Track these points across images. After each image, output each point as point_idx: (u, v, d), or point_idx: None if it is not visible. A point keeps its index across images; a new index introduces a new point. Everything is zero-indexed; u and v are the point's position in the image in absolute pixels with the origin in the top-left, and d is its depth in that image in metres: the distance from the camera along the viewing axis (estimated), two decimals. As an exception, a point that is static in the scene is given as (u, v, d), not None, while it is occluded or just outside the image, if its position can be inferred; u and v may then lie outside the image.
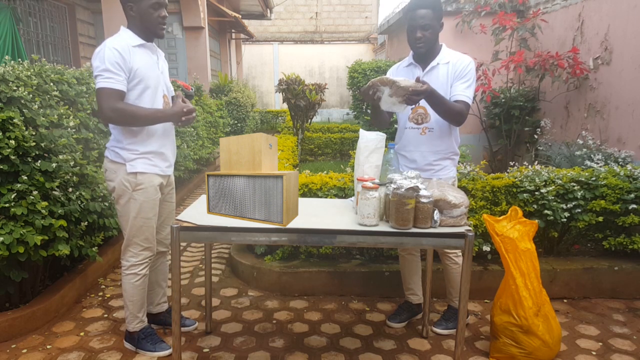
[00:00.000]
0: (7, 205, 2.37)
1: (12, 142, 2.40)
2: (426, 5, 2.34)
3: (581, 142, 4.86)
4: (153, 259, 2.50)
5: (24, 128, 2.54)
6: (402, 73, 2.58)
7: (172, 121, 2.31)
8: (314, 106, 7.56)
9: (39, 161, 2.58)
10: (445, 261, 2.65)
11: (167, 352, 2.45)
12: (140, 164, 2.27)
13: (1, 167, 2.40)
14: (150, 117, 2.23)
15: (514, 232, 2.36)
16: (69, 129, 2.97)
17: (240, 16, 11.81)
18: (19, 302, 2.70)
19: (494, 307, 2.49)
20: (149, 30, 2.25)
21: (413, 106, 2.44)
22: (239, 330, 2.73)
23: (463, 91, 2.40)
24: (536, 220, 2.50)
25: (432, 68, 2.46)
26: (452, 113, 2.36)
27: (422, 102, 2.44)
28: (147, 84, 2.24)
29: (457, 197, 2.02)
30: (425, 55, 2.46)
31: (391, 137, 6.33)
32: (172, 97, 2.42)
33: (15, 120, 2.46)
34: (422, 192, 1.93)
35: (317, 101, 7.43)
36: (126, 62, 2.14)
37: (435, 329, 2.71)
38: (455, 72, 2.42)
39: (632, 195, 3.06)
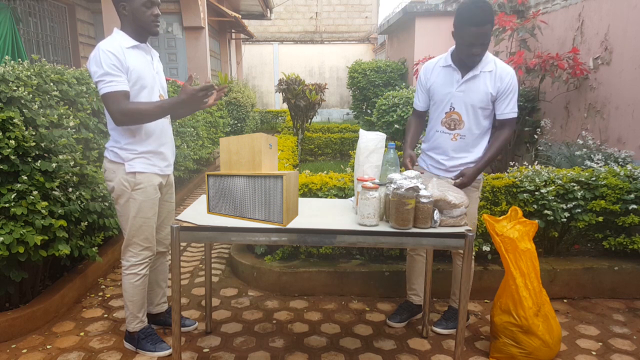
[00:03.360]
0: (7, 205, 2.37)
1: (12, 142, 2.40)
2: (489, 20, 2.23)
3: (581, 142, 4.86)
4: (153, 259, 2.50)
5: (24, 128, 2.54)
6: (438, 72, 2.48)
7: (188, 105, 2.15)
8: (314, 106, 7.57)
9: (39, 161, 2.58)
10: (457, 261, 2.65)
11: (167, 352, 2.45)
12: (138, 164, 2.27)
13: (1, 167, 2.40)
14: (164, 107, 2.16)
15: (514, 232, 2.36)
16: (69, 129, 2.97)
17: (240, 16, 11.81)
18: (19, 302, 2.70)
19: (494, 307, 2.49)
20: (142, 28, 2.25)
21: (448, 110, 2.46)
22: (239, 330, 2.73)
23: (510, 109, 2.40)
24: (536, 221, 2.49)
25: (475, 76, 2.38)
26: (502, 150, 2.46)
27: (457, 108, 2.42)
28: (143, 84, 2.23)
29: (457, 197, 2.02)
30: None
31: (391, 137, 6.31)
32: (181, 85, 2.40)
33: (15, 120, 2.46)
34: (422, 192, 1.93)
35: (317, 101, 7.44)
36: (122, 63, 2.14)
37: (435, 329, 2.71)
38: (500, 87, 2.37)
39: (632, 196, 3.06)
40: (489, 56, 2.40)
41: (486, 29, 2.23)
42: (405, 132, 2.66)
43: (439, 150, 2.53)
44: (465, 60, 2.35)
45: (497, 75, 2.37)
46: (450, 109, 2.44)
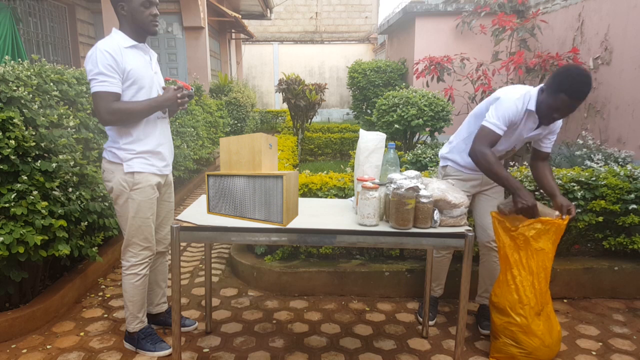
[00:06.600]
0: (7, 205, 2.37)
1: (12, 142, 2.40)
2: (584, 98, 2.23)
3: (581, 142, 4.86)
4: (153, 258, 2.50)
5: (24, 128, 2.54)
6: (527, 116, 2.41)
7: (168, 106, 2.29)
8: (314, 106, 7.57)
9: (39, 161, 2.58)
10: (490, 258, 2.69)
11: (167, 352, 2.45)
12: (137, 164, 2.27)
13: (1, 167, 2.40)
14: (147, 108, 2.22)
15: (530, 230, 2.29)
16: (69, 129, 2.97)
17: (240, 16, 11.81)
18: (19, 302, 2.70)
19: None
20: (141, 28, 2.25)
21: (510, 149, 2.55)
22: (239, 330, 2.73)
23: (551, 144, 2.57)
24: (559, 220, 2.32)
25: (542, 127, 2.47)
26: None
27: (517, 146, 2.55)
28: (142, 85, 2.24)
29: (457, 197, 2.02)
30: None
31: (391, 137, 6.28)
32: (163, 88, 2.41)
33: (15, 120, 2.46)
34: (422, 192, 1.93)
35: (317, 101, 7.44)
36: (119, 63, 2.14)
37: (484, 331, 2.71)
38: (552, 128, 2.50)
39: (632, 195, 3.06)
40: None
41: (580, 103, 2.26)
42: (498, 168, 2.30)
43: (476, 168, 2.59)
44: (543, 118, 2.38)
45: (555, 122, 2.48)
46: (513, 148, 2.55)
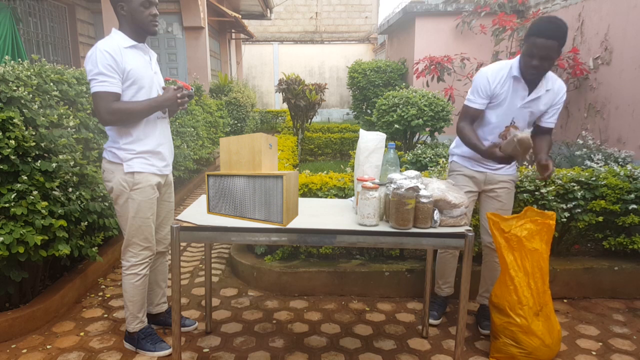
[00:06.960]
0: (7, 205, 2.37)
1: (12, 142, 2.40)
2: (555, 37, 2.21)
3: (581, 142, 4.86)
4: (153, 258, 2.50)
5: (24, 128, 2.54)
6: (510, 83, 2.41)
7: (168, 106, 2.29)
8: (314, 106, 7.57)
9: (39, 161, 2.58)
10: (492, 259, 2.70)
11: (167, 352, 2.45)
12: (137, 164, 2.27)
13: (1, 167, 2.40)
14: (147, 108, 2.22)
15: (523, 230, 2.32)
16: (69, 129, 2.97)
17: (240, 16, 11.81)
18: (19, 302, 2.70)
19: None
20: (141, 28, 2.25)
21: (508, 124, 2.51)
22: (239, 330, 2.73)
23: (555, 119, 2.55)
24: (550, 221, 2.37)
25: (540, 96, 2.43)
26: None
27: (517, 122, 2.51)
28: (141, 85, 2.24)
29: (457, 197, 2.02)
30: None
31: (391, 137, 6.28)
32: (162, 88, 2.41)
33: (15, 120, 2.46)
34: (422, 192, 1.93)
35: (317, 101, 7.44)
36: (118, 63, 2.14)
37: (484, 331, 2.71)
38: (554, 102, 2.48)
39: (632, 195, 3.06)
40: (550, 73, 2.45)
41: (550, 43, 2.21)
42: (468, 137, 2.45)
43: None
44: (524, 71, 2.35)
45: (554, 92, 2.46)
46: (512, 122, 2.51)
